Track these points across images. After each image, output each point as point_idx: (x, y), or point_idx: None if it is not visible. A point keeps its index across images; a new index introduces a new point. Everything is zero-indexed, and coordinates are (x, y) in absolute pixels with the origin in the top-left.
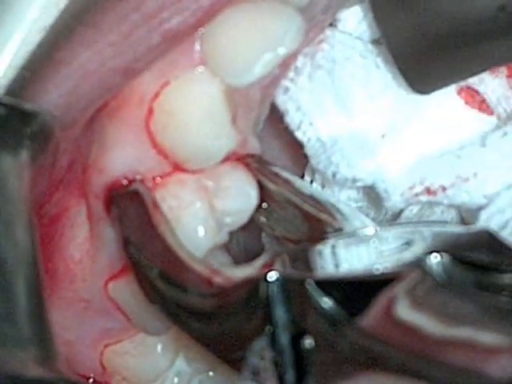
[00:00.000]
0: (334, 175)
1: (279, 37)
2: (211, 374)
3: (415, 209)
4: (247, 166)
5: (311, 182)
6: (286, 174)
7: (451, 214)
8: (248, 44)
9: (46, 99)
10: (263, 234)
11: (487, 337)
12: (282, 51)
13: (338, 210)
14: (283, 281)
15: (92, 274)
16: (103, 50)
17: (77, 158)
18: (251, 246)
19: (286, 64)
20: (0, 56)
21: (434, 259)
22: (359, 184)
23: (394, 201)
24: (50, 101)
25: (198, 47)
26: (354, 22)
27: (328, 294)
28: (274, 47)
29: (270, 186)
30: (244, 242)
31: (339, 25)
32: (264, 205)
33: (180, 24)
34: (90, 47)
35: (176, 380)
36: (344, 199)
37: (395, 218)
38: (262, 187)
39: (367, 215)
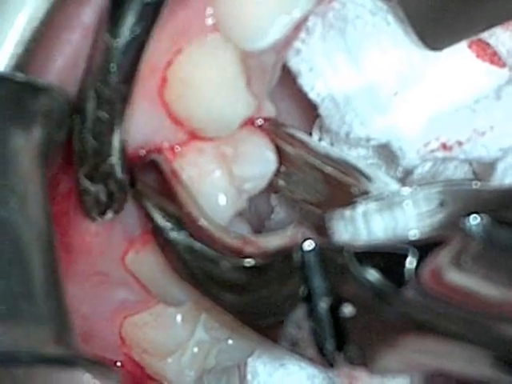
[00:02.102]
0: (347, 135)
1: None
2: (230, 342)
3: (428, 165)
4: (264, 130)
5: (319, 140)
6: (301, 135)
7: (464, 169)
8: (262, 7)
9: (53, 67)
10: (272, 196)
11: None
12: (297, 13)
13: (360, 171)
14: (320, 250)
15: (109, 247)
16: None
17: None
18: (261, 208)
19: (298, 25)
20: (7, 35)
21: (474, 221)
22: (373, 143)
23: (410, 158)
24: (56, 68)
25: (210, 12)
26: None
27: (370, 264)
28: (289, 9)
29: (288, 148)
30: (255, 204)
31: None
32: (282, 168)
33: None
34: (88, 3)
35: (196, 350)
36: (354, 157)
37: (407, 175)
38: (279, 151)
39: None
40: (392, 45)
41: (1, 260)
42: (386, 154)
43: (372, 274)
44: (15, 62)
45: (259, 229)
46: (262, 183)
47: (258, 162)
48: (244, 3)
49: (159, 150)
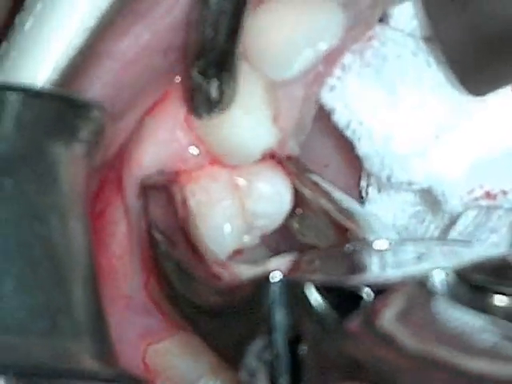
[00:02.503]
0: (388, 178)
1: (320, 32)
2: None
3: (471, 215)
4: (285, 168)
5: (367, 186)
6: (324, 184)
7: (509, 219)
8: (288, 38)
9: (91, 91)
10: None
11: (474, 364)
12: (322, 46)
13: (368, 223)
14: (286, 283)
15: (132, 271)
16: (141, 33)
17: (119, 153)
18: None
19: (330, 61)
20: (51, 51)
21: (438, 276)
22: (415, 187)
23: (453, 204)
24: (94, 92)
25: None
26: (406, 18)
27: (323, 296)
28: (315, 42)
29: (306, 192)
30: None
31: (390, 21)
32: (298, 210)
33: None
34: (128, 33)
35: (218, 382)
36: (400, 202)
37: (453, 222)
38: (297, 192)
39: (423, 220)
40: (432, 87)
41: (40, 276)
42: (430, 200)
43: (319, 304)
44: (58, 78)
45: None
46: (275, 222)
47: (272, 199)
48: (271, 34)
49: (175, 173)
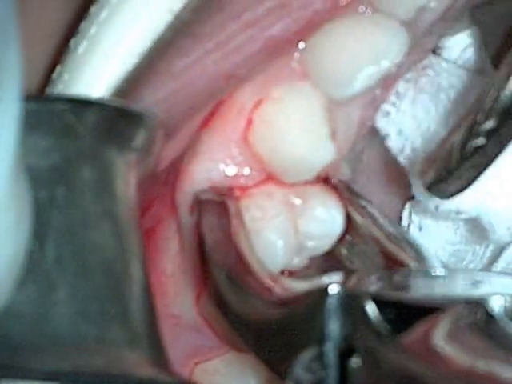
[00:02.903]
0: (436, 207)
1: (383, 49)
2: None
3: None
4: (338, 193)
5: (408, 225)
6: (373, 209)
7: None
8: (351, 55)
9: (154, 96)
10: None
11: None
12: (385, 64)
13: (419, 253)
14: (344, 295)
15: (183, 289)
16: (202, 58)
17: (172, 169)
18: None
19: (386, 85)
20: (101, 76)
21: (497, 301)
22: (463, 216)
23: (500, 234)
24: (157, 98)
25: (298, 59)
26: (458, 50)
27: (380, 310)
28: (378, 60)
29: (358, 218)
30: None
31: (443, 53)
32: (348, 237)
33: (281, 31)
34: (186, 56)
35: None
36: (441, 240)
37: (496, 257)
38: (348, 218)
39: (463, 259)
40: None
41: (93, 283)
42: (477, 230)
43: (376, 317)
44: (114, 90)
45: None
46: (326, 245)
47: (325, 221)
48: (333, 51)
49: (230, 188)
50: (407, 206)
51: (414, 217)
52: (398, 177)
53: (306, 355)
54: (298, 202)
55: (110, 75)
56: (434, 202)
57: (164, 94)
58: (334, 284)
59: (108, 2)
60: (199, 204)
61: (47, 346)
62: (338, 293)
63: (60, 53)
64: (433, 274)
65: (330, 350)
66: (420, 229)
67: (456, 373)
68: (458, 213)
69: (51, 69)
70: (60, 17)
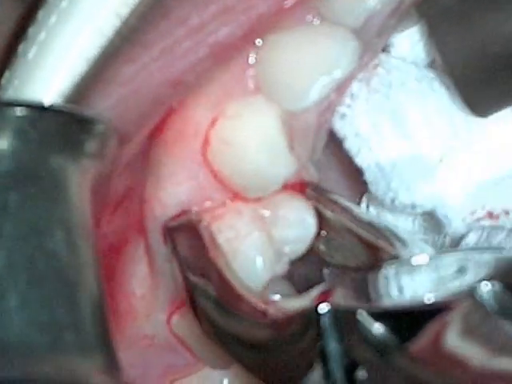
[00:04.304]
0: (392, 201)
1: (335, 59)
2: None
3: (475, 235)
4: (304, 194)
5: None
6: (343, 201)
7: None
8: (303, 67)
9: (106, 101)
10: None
11: None
12: (337, 74)
13: (397, 237)
14: (335, 312)
15: (155, 310)
16: (148, 64)
17: (134, 188)
18: (312, 277)
19: (341, 89)
20: (52, 81)
21: (485, 288)
22: (418, 210)
23: (455, 226)
24: (110, 102)
25: (251, 73)
26: (407, 46)
27: (379, 320)
28: (330, 70)
29: (328, 213)
30: (305, 273)
31: (392, 50)
32: (323, 232)
33: (227, 36)
34: (134, 63)
35: None
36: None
37: (456, 245)
38: (319, 215)
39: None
40: (437, 112)
41: (46, 290)
42: (433, 222)
43: (378, 329)
44: (65, 97)
45: None
46: (302, 247)
47: (298, 225)
48: (285, 64)
49: (198, 213)
50: (364, 198)
51: (371, 209)
52: (354, 173)
53: (313, 376)
54: (267, 213)
55: (61, 81)
56: (389, 196)
57: (113, 101)
58: (323, 303)
59: (57, 6)
60: (171, 231)
61: None
62: (329, 311)
63: (8, 58)
64: (415, 265)
65: (336, 368)
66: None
67: (474, 375)
68: (414, 207)
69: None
70: (7, 22)
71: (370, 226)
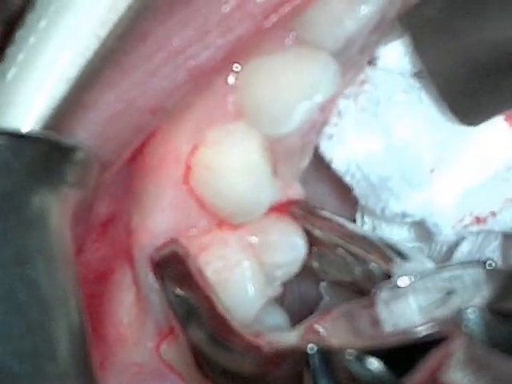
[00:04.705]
0: (382, 211)
1: (315, 84)
2: None
3: (468, 244)
4: (291, 214)
5: (362, 226)
6: (333, 217)
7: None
8: (284, 92)
9: (84, 129)
10: (321, 284)
11: None
12: (318, 98)
13: (394, 250)
14: (324, 353)
15: (143, 337)
16: (128, 89)
17: (118, 215)
18: (307, 295)
19: (325, 109)
20: (31, 104)
21: (472, 314)
22: (408, 219)
23: (445, 234)
24: (88, 130)
25: (231, 99)
26: (394, 58)
27: (373, 355)
28: (311, 95)
29: (316, 232)
30: (299, 291)
31: (378, 62)
32: (314, 249)
33: (206, 60)
34: (115, 87)
35: None
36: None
37: (450, 254)
38: (308, 233)
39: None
40: (426, 123)
41: (26, 320)
42: (424, 231)
43: (373, 364)
44: (45, 122)
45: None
46: (294, 269)
47: (287, 248)
48: (265, 90)
49: (184, 246)
50: (358, 208)
51: (366, 218)
52: (345, 186)
53: None
54: (255, 239)
55: (40, 104)
56: (379, 206)
57: (94, 127)
58: (310, 344)
59: (35, 27)
60: (159, 264)
61: None
62: (318, 351)
63: None
64: (403, 290)
65: None
66: (374, 229)
67: None
68: (404, 216)
69: None
70: None
71: (364, 240)
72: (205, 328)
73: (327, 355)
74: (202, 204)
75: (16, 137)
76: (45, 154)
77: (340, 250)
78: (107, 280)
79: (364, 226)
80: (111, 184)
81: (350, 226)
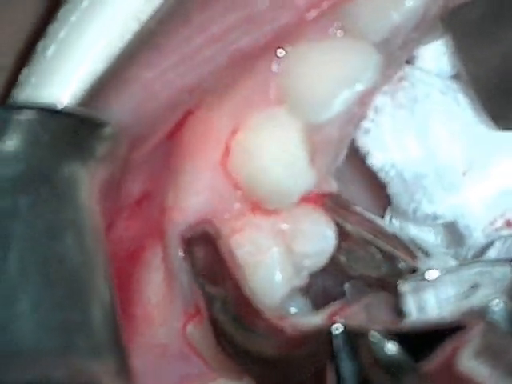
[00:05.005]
0: (414, 212)
1: (357, 73)
2: None
3: (496, 248)
4: (323, 206)
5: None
6: (365, 213)
7: None
8: (326, 80)
9: (108, 115)
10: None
11: None
12: (360, 87)
13: (421, 249)
14: (348, 333)
15: (169, 318)
16: (167, 70)
17: (152, 194)
18: (331, 290)
19: (364, 102)
20: (69, 80)
21: (497, 306)
22: (440, 221)
23: (476, 237)
24: (112, 117)
25: (273, 85)
26: (432, 58)
27: (393, 340)
28: (352, 84)
29: (347, 226)
30: (323, 285)
31: (417, 62)
32: (343, 244)
33: (248, 45)
34: (153, 68)
35: None
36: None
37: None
38: (339, 227)
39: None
40: (462, 125)
41: (57, 294)
42: (454, 234)
43: (391, 349)
44: (82, 98)
45: None
46: (322, 260)
47: (317, 239)
48: (308, 77)
49: (219, 223)
50: (388, 210)
51: (394, 221)
52: (377, 186)
53: None
54: (286, 227)
55: (78, 81)
56: (411, 206)
57: (130, 104)
58: (337, 324)
59: (77, 5)
60: (190, 242)
61: (8, 358)
62: (343, 332)
63: (27, 55)
64: (431, 281)
65: None
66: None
67: None
68: (435, 217)
69: (18, 71)
70: (27, 19)
71: (392, 237)
72: (229, 308)
73: (351, 337)
74: (237, 187)
75: (45, 111)
76: (74, 129)
77: (369, 247)
78: (137, 259)
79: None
80: (145, 162)
81: (379, 222)
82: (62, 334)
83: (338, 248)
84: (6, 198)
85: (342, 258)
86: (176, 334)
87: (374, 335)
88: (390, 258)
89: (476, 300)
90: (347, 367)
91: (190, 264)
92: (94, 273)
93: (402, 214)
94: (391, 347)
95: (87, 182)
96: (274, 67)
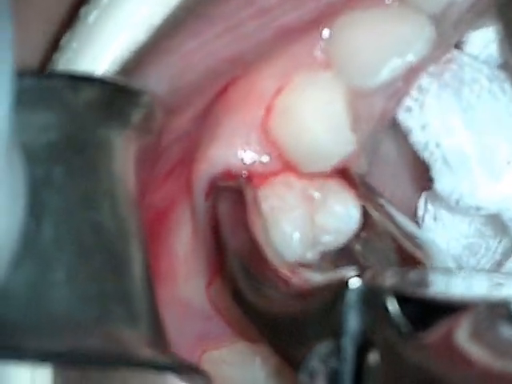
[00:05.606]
0: (457, 202)
1: (409, 43)
2: None
3: None
4: (356, 188)
5: (423, 214)
6: (390, 207)
7: None
8: (376, 47)
9: (145, 83)
10: None
11: None
12: (410, 57)
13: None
14: (364, 290)
15: (195, 274)
16: (210, 40)
17: (187, 160)
18: None
19: (409, 78)
20: (110, 46)
21: None
22: (483, 212)
23: None
24: (148, 85)
25: (322, 48)
26: (480, 45)
27: (401, 307)
28: (403, 53)
29: (374, 214)
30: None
31: (465, 47)
32: (363, 233)
33: (294, 21)
34: (196, 37)
35: None
36: (455, 233)
37: (509, 252)
38: (364, 215)
39: (476, 253)
40: (507, 114)
41: (93, 263)
42: (493, 226)
43: (396, 314)
44: (122, 65)
45: None
46: (341, 240)
47: (342, 216)
48: (358, 42)
49: (248, 175)
50: (423, 195)
51: (429, 207)
52: (414, 169)
53: (323, 348)
54: (316, 195)
55: (118, 47)
56: (454, 196)
57: (170, 72)
58: (355, 278)
59: None
60: (216, 190)
61: (43, 327)
62: (359, 287)
63: (69, 21)
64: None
65: (348, 345)
66: (435, 219)
67: (479, 374)
68: (478, 209)
69: (60, 36)
70: None
71: (412, 236)
72: (243, 263)
73: (365, 293)
74: (275, 146)
75: (80, 80)
76: (109, 98)
77: (388, 240)
78: (167, 217)
79: (425, 214)
80: (182, 133)
81: (401, 219)
82: (97, 303)
83: (357, 235)
84: (41, 167)
85: (357, 247)
86: (200, 290)
87: (389, 295)
88: (407, 256)
89: (498, 295)
90: (354, 324)
91: (212, 215)
92: (129, 242)
93: (441, 201)
94: (397, 312)
95: (122, 150)
96: (325, 32)
